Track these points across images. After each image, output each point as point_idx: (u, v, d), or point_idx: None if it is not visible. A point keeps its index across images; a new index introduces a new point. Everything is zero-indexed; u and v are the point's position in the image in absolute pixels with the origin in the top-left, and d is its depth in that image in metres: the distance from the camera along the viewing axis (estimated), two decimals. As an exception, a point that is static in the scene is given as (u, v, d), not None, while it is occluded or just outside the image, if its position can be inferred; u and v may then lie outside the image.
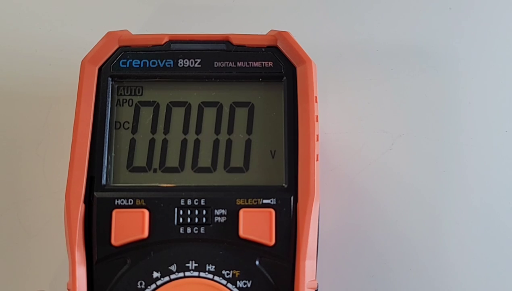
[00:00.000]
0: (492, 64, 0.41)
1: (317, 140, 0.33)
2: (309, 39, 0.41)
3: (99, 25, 0.41)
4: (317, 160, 0.32)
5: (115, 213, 0.31)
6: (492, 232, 0.38)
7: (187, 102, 0.33)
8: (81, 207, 0.31)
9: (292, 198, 0.31)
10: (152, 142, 0.33)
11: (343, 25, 0.42)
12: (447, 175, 0.39)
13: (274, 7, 0.42)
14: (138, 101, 0.33)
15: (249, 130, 0.33)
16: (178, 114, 0.33)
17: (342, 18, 0.42)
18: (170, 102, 0.33)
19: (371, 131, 0.39)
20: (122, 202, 0.31)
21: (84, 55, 0.33)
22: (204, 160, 0.33)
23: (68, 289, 0.30)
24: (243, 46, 0.33)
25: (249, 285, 0.30)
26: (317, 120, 0.33)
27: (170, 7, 0.43)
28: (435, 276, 0.37)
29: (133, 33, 0.34)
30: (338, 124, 0.39)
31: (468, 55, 0.41)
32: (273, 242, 0.31)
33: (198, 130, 0.33)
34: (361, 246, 0.37)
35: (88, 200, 0.31)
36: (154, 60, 0.33)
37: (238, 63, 0.33)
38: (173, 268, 0.31)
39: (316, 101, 0.33)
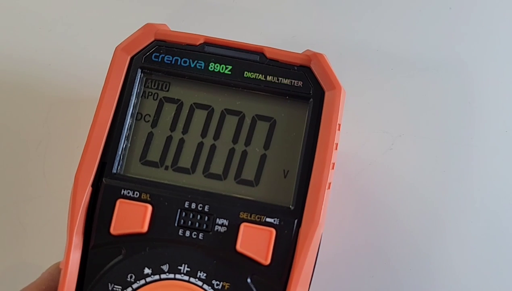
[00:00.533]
0: (492, 64, 0.41)
1: (332, 168, 0.32)
2: (309, 39, 0.41)
3: (98, 25, 0.41)
4: (328, 188, 0.32)
5: (119, 202, 0.31)
6: (492, 232, 0.38)
7: (210, 106, 0.33)
8: (88, 190, 0.31)
9: (296, 221, 0.31)
10: (169, 139, 0.33)
11: (343, 25, 0.42)
12: (447, 175, 0.39)
13: (274, 7, 0.42)
14: (163, 97, 0.33)
15: (266, 146, 0.33)
16: (199, 116, 0.33)
17: (342, 18, 0.42)
18: (194, 103, 0.33)
19: (371, 131, 0.39)
20: (128, 193, 0.31)
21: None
22: (217, 166, 0.32)
23: (60, 268, 0.31)
24: (276, 61, 0.33)
25: None
26: (336, 148, 0.32)
27: (169, 6, 0.42)
28: (435, 275, 0.37)
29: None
30: (338, 124, 0.40)
31: (468, 55, 0.41)
32: (268, 261, 0.30)
33: (216, 136, 0.33)
34: (361, 245, 0.37)
35: (96, 184, 0.31)
36: (186, 59, 0.33)
37: (268, 77, 0.33)
38: (165, 268, 0.31)
39: (339, 129, 0.33)
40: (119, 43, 0.33)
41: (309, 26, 0.41)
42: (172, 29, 0.34)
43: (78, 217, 0.31)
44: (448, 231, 0.37)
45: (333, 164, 0.32)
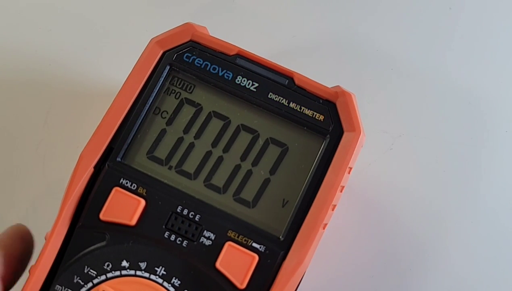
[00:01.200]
0: (492, 64, 0.40)
1: (333, 210, 0.31)
2: (309, 39, 0.40)
3: (98, 25, 0.42)
4: (323, 228, 0.31)
5: (115, 190, 0.31)
6: (492, 232, 0.37)
7: (228, 118, 0.33)
8: (89, 171, 0.31)
9: (281, 253, 0.30)
10: (179, 140, 0.33)
11: (343, 25, 0.41)
12: (447, 175, 0.38)
13: (274, 7, 0.42)
14: (185, 98, 0.33)
15: (272, 171, 0.32)
16: (215, 125, 0.33)
17: (342, 18, 0.42)
18: (213, 111, 0.33)
19: (371, 131, 0.38)
20: (126, 183, 0.31)
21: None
22: (219, 179, 0.32)
23: (45, 238, 0.31)
24: (304, 89, 0.33)
25: None
26: (341, 191, 0.32)
27: (169, 5, 0.42)
28: (435, 276, 0.36)
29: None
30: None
31: (468, 54, 0.40)
32: (243, 286, 0.30)
33: (226, 149, 0.33)
34: (361, 245, 0.37)
35: (99, 167, 0.32)
36: (216, 67, 0.33)
37: (291, 103, 0.33)
38: (143, 265, 0.30)
39: (349, 173, 0.32)
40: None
41: (309, 26, 0.41)
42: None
43: (73, 194, 0.31)
44: (449, 231, 0.37)
45: (334, 205, 0.31)
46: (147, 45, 0.33)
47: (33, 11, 0.44)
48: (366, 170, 0.38)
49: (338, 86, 0.33)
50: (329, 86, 0.33)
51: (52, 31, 0.43)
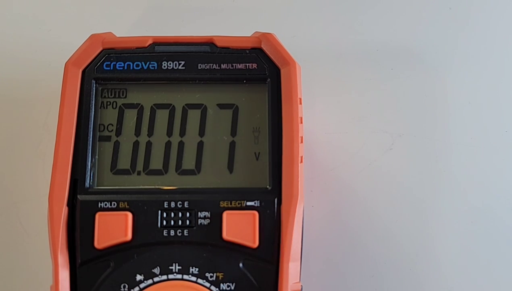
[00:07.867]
0: (492, 64, 0.41)
1: (301, 142, 0.33)
2: (309, 40, 0.41)
3: (100, 25, 0.41)
4: (301, 161, 0.32)
5: (98, 216, 0.31)
6: (492, 232, 0.38)
7: (171, 104, 0.33)
8: (64, 210, 0.31)
9: (276, 200, 0.31)
10: (136, 145, 0.33)
11: (343, 25, 0.42)
12: (447, 175, 0.39)
13: (274, 7, 0.42)
14: (122, 104, 0.33)
15: (233, 133, 0.33)
16: (162, 116, 0.33)
17: (342, 18, 0.42)
18: (154, 104, 0.33)
19: (371, 131, 0.39)
20: (106, 204, 0.31)
21: None
22: (188, 162, 0.33)
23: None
24: (227, 48, 0.33)
25: (232, 288, 0.30)
26: (301, 122, 0.33)
27: (168, 5, 0.43)
28: (435, 276, 0.37)
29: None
30: (338, 124, 0.39)
31: (468, 55, 0.41)
32: (256, 244, 0.31)
33: (182, 133, 0.33)
34: (361, 245, 0.37)
35: (72, 202, 0.31)
36: (138, 63, 0.33)
37: (222, 65, 0.33)
38: (157, 270, 0.30)
39: (301, 103, 0.33)
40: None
41: (309, 26, 0.41)
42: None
43: (60, 238, 0.30)
44: (448, 231, 0.37)
45: (301, 137, 0.33)
46: (65, 70, 0.33)
47: (32, 11, 0.42)
48: (366, 170, 0.38)
49: (256, 32, 0.34)
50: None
51: (52, 31, 0.41)
